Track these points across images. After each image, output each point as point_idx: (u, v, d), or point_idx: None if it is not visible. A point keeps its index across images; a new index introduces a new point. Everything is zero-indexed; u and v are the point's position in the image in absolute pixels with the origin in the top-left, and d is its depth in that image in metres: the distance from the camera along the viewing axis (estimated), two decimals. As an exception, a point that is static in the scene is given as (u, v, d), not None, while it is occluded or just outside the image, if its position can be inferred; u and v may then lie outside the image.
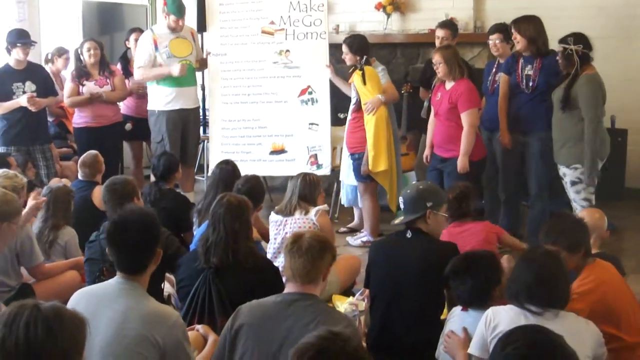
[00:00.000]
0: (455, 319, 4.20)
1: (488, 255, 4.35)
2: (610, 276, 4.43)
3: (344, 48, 7.38)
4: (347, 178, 7.72)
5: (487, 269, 4.11)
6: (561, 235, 4.34)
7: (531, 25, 6.73)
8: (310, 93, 8.10)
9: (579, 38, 6.14)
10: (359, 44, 7.30)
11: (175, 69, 7.71)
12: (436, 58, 6.76)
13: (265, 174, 8.06)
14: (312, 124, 8.12)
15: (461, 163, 6.61)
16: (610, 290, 4.31)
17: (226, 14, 8.31)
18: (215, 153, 8.34)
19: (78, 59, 8.19)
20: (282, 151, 8.24)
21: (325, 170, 8.07)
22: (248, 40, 8.25)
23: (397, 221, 4.85)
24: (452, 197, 5.42)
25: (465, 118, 6.61)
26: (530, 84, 6.80)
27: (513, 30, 6.84)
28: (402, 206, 4.81)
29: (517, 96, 6.91)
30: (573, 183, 6.27)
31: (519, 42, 6.79)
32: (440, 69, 6.71)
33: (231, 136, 8.35)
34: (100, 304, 3.42)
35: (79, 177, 6.69)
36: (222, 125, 8.36)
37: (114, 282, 3.56)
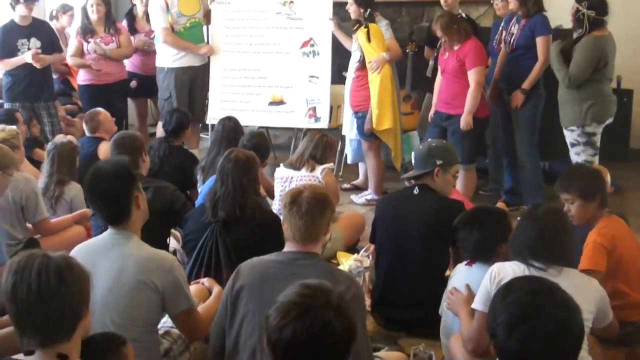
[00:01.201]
0: (459, 276, 4.21)
1: (498, 212, 4.38)
2: (623, 232, 4.45)
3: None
4: (351, 133, 7.73)
5: (495, 225, 4.12)
6: (575, 183, 4.37)
7: None
8: (312, 46, 8.12)
9: (595, 3, 6.06)
10: None
11: (204, 49, 7.95)
12: (436, 27, 6.76)
13: (263, 124, 8.18)
14: (312, 76, 8.14)
15: (465, 120, 6.60)
16: (623, 245, 4.34)
17: None
18: (215, 102, 8.38)
19: (84, 15, 8.16)
20: (280, 102, 8.27)
21: (323, 124, 8.12)
22: None
23: (405, 175, 4.83)
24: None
25: (471, 75, 6.59)
26: (511, 42, 6.82)
27: None
28: (413, 161, 4.80)
29: (505, 54, 6.97)
30: (572, 145, 6.28)
31: (510, 1, 6.82)
32: (446, 38, 6.72)
33: (231, 85, 8.38)
34: (97, 256, 3.45)
35: (86, 133, 6.68)
36: (223, 74, 8.37)
37: (107, 234, 3.59)
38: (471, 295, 3.91)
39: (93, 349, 2.71)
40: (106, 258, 3.40)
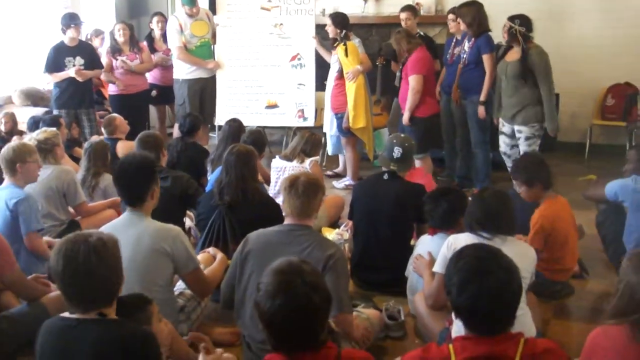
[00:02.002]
0: (422, 244, 4.25)
1: (458, 190, 4.49)
2: (563, 211, 4.50)
3: (328, 21, 7.34)
4: (330, 130, 7.71)
5: (457, 199, 4.19)
6: (520, 173, 4.44)
7: (470, 11, 6.65)
8: (299, 59, 8.19)
9: (525, 21, 6.03)
10: (341, 19, 7.26)
11: (211, 64, 7.97)
12: (396, 39, 6.88)
13: (261, 124, 8.14)
14: (300, 84, 8.21)
15: (404, 117, 6.77)
16: (561, 224, 4.42)
17: None
18: (222, 107, 8.35)
19: (112, 37, 8.19)
20: (275, 106, 8.30)
21: (310, 122, 8.18)
22: (249, 15, 8.28)
23: (392, 167, 4.80)
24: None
25: (410, 82, 6.69)
26: (463, 57, 6.78)
27: (452, 17, 7.02)
28: (397, 154, 4.78)
29: (455, 66, 6.91)
30: (528, 138, 6.17)
31: (459, 23, 6.82)
32: (401, 46, 6.81)
33: (234, 93, 8.37)
34: (118, 232, 3.37)
35: (104, 135, 6.67)
36: (228, 84, 8.36)
37: (125, 215, 3.66)
38: (433, 260, 3.96)
39: (124, 308, 2.69)
40: (125, 233, 3.39)
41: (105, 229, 3.57)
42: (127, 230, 3.47)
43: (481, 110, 6.66)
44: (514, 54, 6.13)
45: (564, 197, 4.67)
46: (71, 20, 7.43)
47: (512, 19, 6.08)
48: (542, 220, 4.34)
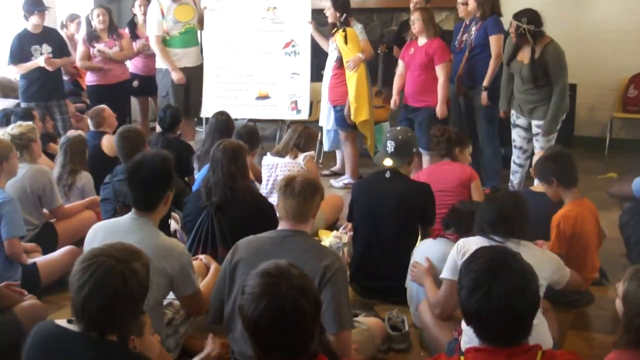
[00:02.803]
0: (419, 250, 4.28)
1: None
2: (586, 215, 4.48)
3: (327, 3, 7.31)
4: (327, 124, 7.69)
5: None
6: (556, 172, 4.40)
7: None
8: (293, 46, 8.19)
9: (532, 18, 5.94)
10: (342, 2, 7.24)
11: (175, 75, 7.85)
12: (415, 16, 6.69)
13: (251, 116, 8.25)
14: (294, 73, 8.21)
15: (440, 110, 6.63)
16: (582, 229, 4.41)
17: None
18: (208, 97, 8.35)
19: (89, 24, 8.18)
20: (266, 97, 8.31)
21: (304, 115, 8.19)
22: None
23: (387, 164, 4.80)
24: (438, 135, 5.42)
25: (441, 70, 6.59)
26: (469, 42, 6.79)
27: None
28: (390, 149, 4.78)
29: (463, 53, 6.89)
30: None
31: (468, 4, 6.78)
32: (416, 25, 6.64)
33: (222, 82, 8.39)
34: (116, 236, 3.38)
35: (90, 128, 6.63)
36: (215, 73, 8.37)
37: (128, 217, 3.59)
38: (432, 267, 3.98)
39: None
40: (124, 239, 3.35)
41: (97, 229, 3.60)
42: (128, 236, 3.33)
43: (484, 96, 6.65)
44: (526, 53, 6.09)
45: (585, 194, 4.65)
46: (35, 5, 7.36)
47: (518, 17, 5.98)
48: (564, 222, 4.32)
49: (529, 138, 6.35)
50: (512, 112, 6.41)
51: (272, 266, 2.34)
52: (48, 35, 7.54)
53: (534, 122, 6.22)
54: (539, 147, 6.20)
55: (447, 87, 6.62)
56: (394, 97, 7.04)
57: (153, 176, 3.56)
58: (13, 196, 4.67)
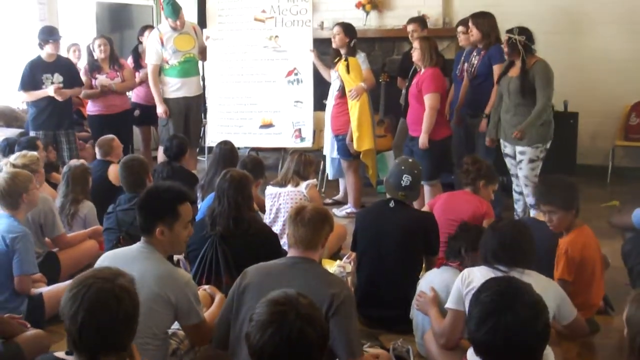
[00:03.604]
0: (424, 281, 4.29)
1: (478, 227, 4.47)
2: (590, 242, 4.50)
3: (337, 29, 7.38)
4: (332, 153, 7.72)
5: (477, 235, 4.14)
6: (557, 196, 4.41)
7: (486, 20, 6.74)
8: (296, 74, 8.21)
9: (523, 30, 6.06)
10: (353, 28, 7.39)
11: (160, 108, 7.90)
12: (415, 44, 6.72)
13: (254, 145, 8.33)
14: (297, 101, 8.23)
15: (421, 140, 6.54)
16: (588, 256, 4.41)
17: (223, 3, 8.36)
18: (213, 127, 8.41)
19: (90, 53, 8.22)
20: (270, 125, 8.32)
21: (308, 143, 8.20)
22: (242, 27, 8.32)
23: (400, 196, 4.79)
24: (469, 164, 5.35)
25: (426, 101, 6.52)
26: (472, 70, 6.84)
27: (470, 24, 6.85)
28: (405, 182, 4.77)
29: (468, 82, 6.96)
30: (531, 160, 6.16)
31: (473, 34, 6.81)
32: (415, 54, 6.65)
33: (227, 111, 8.42)
34: (122, 265, 3.38)
35: (97, 157, 6.65)
36: (219, 102, 8.42)
37: (136, 246, 3.60)
38: (436, 296, 4.00)
39: None
40: (129, 269, 3.36)
41: (105, 257, 3.61)
42: (132, 264, 3.38)
43: (484, 124, 6.68)
44: (516, 69, 6.15)
45: (588, 223, 4.67)
46: (50, 34, 7.47)
47: (509, 30, 6.11)
48: (572, 248, 4.31)
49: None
50: (501, 141, 6.44)
51: (280, 295, 2.36)
52: (61, 65, 7.63)
53: (518, 149, 6.23)
54: (522, 175, 6.22)
55: (431, 118, 6.50)
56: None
57: (153, 204, 3.58)
58: (28, 231, 4.70)
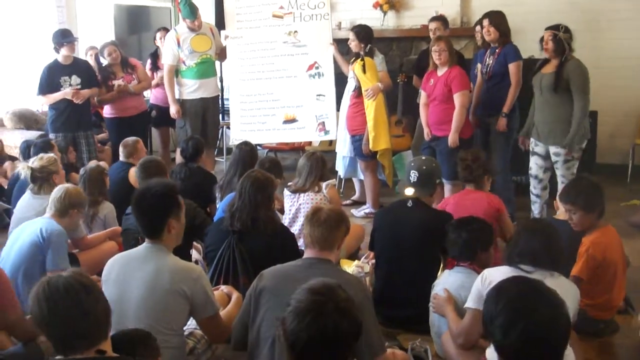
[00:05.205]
0: (438, 283, 4.28)
1: (485, 222, 4.43)
2: (614, 243, 4.47)
3: (351, 35, 7.41)
4: (344, 150, 7.74)
5: (481, 231, 4.19)
6: (580, 197, 4.37)
7: (503, 18, 6.70)
8: (317, 68, 8.19)
9: (567, 29, 6.05)
10: (366, 33, 7.37)
11: (172, 108, 7.93)
12: (441, 46, 6.65)
13: (279, 140, 8.30)
14: (319, 95, 8.20)
15: (452, 138, 6.55)
16: (611, 257, 4.39)
17: (241, 1, 8.34)
18: (235, 125, 8.39)
19: (98, 61, 8.29)
20: (293, 120, 8.29)
21: (332, 136, 8.19)
22: (261, 24, 8.30)
23: (408, 193, 4.85)
24: (469, 160, 5.30)
25: (457, 98, 6.54)
26: (488, 70, 6.80)
27: (486, 23, 6.77)
28: (412, 179, 4.83)
29: (482, 82, 6.94)
30: (567, 161, 6.12)
31: (490, 33, 6.72)
32: (442, 56, 6.61)
33: (249, 109, 8.39)
34: (132, 266, 3.51)
35: (120, 157, 6.69)
36: (241, 100, 8.39)
37: (143, 247, 3.63)
38: (450, 296, 4.01)
39: (121, 344, 2.71)
40: (139, 269, 3.42)
41: (114, 261, 3.63)
42: (144, 265, 3.46)
43: (502, 122, 6.66)
44: (551, 66, 6.13)
45: (610, 221, 4.63)
46: (64, 37, 7.54)
47: (555, 27, 6.06)
48: (594, 248, 4.29)
49: (545, 167, 6.34)
50: (532, 139, 6.41)
51: (320, 284, 2.40)
52: (78, 67, 7.71)
53: (552, 150, 6.20)
54: (559, 175, 6.18)
55: (462, 116, 6.55)
56: (426, 130, 6.95)
57: (152, 204, 3.58)
58: (64, 230, 4.80)
